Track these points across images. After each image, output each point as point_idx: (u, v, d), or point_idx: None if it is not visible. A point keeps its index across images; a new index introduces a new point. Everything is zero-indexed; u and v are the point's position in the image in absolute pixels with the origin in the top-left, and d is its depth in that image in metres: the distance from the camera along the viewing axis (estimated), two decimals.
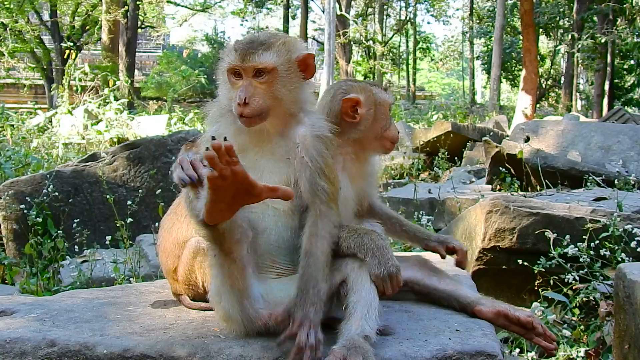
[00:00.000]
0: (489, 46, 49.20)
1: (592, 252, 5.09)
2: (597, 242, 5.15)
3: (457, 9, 73.37)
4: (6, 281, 7.24)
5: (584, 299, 5.08)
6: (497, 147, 9.86)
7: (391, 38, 59.25)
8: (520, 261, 5.17)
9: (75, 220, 7.54)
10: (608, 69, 40.64)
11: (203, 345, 2.88)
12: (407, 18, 60.26)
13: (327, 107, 3.49)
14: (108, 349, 2.86)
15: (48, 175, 8.01)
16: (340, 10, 43.74)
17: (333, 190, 2.96)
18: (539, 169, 8.85)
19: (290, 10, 52.25)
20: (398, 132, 3.60)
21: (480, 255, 5.47)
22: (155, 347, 2.86)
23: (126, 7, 33.66)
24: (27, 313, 3.33)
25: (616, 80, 44.90)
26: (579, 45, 36.70)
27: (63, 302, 3.59)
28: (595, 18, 39.60)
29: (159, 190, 7.84)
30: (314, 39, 59.21)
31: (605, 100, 40.03)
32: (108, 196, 7.32)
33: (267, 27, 57.85)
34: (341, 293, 2.92)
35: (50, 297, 3.88)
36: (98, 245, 7.58)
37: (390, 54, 59.14)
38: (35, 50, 39.83)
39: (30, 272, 6.99)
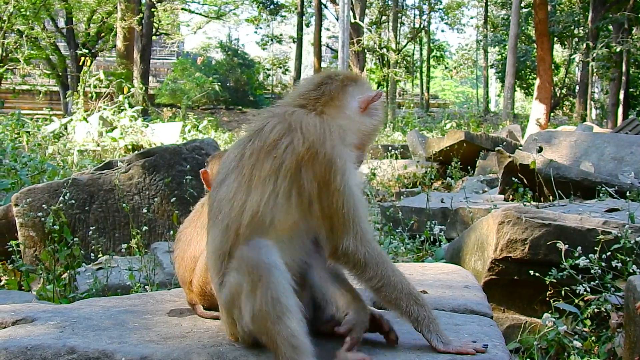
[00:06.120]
0: (503, 54, 49.03)
1: (603, 264, 5.11)
2: (608, 253, 5.17)
3: (472, 17, 73.58)
4: (23, 288, 7.30)
5: (595, 310, 5.10)
6: (509, 157, 9.86)
7: (405, 46, 59.18)
8: (531, 272, 5.19)
9: (91, 228, 7.63)
10: (623, 78, 40.45)
11: (219, 353, 2.94)
12: (421, 26, 60.18)
13: None
14: (126, 356, 2.92)
15: (65, 183, 8.08)
16: (354, 18, 43.77)
17: None
18: (552, 179, 8.87)
19: (304, 17, 52.30)
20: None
21: (492, 266, 5.50)
22: (172, 355, 2.93)
23: (141, 15, 33.81)
24: (47, 320, 3.39)
25: (631, 90, 44.70)
26: (594, 54, 36.58)
27: (82, 310, 3.66)
28: (610, 27, 39.51)
29: (174, 199, 7.90)
30: (327, 46, 59.29)
31: (620, 110, 39.86)
32: (124, 204, 7.39)
33: (281, 35, 57.91)
34: None
35: (69, 304, 3.94)
36: (113, 253, 7.65)
37: (404, 62, 58.96)
38: (50, 57, 40.08)
39: (46, 279, 7.05)
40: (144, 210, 7.77)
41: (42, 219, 7.59)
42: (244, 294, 2.79)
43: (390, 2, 56.16)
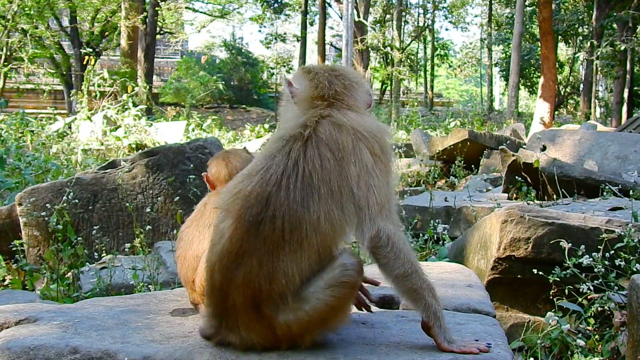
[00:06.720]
0: (507, 53, 48.97)
1: (607, 262, 5.10)
2: (612, 252, 5.17)
3: (476, 16, 73.12)
4: (27, 287, 7.31)
5: (599, 309, 5.10)
6: (513, 155, 9.82)
7: (409, 44, 59.06)
8: (535, 271, 5.19)
9: (95, 227, 7.65)
10: (627, 76, 40.33)
11: (221, 353, 2.94)
12: (425, 24, 60.11)
13: None
14: (129, 356, 2.92)
15: (68, 182, 8.09)
16: (358, 16, 43.72)
17: None
18: (555, 178, 8.83)
19: (308, 16, 52.20)
20: None
21: (495, 265, 5.49)
22: (175, 355, 2.93)
23: (145, 13, 33.73)
24: (50, 320, 3.39)
25: (635, 88, 44.53)
26: (598, 53, 36.42)
27: (85, 310, 3.66)
28: (614, 25, 39.40)
29: (177, 198, 7.92)
30: (331, 45, 59.31)
31: (625, 108, 39.76)
32: (127, 204, 7.39)
33: (285, 34, 57.84)
34: None
35: (72, 304, 3.94)
36: (117, 252, 7.66)
37: (408, 61, 58.92)
38: (54, 56, 40.04)
39: (50, 278, 7.06)
40: (148, 210, 7.79)
41: (46, 218, 7.60)
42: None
43: (394, 1, 56.12)
